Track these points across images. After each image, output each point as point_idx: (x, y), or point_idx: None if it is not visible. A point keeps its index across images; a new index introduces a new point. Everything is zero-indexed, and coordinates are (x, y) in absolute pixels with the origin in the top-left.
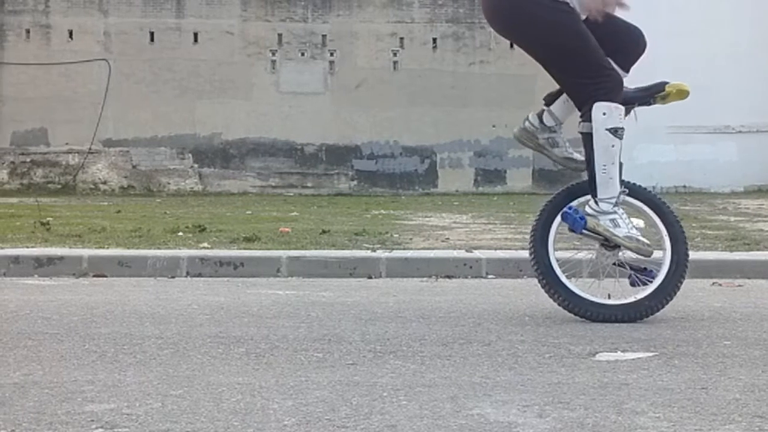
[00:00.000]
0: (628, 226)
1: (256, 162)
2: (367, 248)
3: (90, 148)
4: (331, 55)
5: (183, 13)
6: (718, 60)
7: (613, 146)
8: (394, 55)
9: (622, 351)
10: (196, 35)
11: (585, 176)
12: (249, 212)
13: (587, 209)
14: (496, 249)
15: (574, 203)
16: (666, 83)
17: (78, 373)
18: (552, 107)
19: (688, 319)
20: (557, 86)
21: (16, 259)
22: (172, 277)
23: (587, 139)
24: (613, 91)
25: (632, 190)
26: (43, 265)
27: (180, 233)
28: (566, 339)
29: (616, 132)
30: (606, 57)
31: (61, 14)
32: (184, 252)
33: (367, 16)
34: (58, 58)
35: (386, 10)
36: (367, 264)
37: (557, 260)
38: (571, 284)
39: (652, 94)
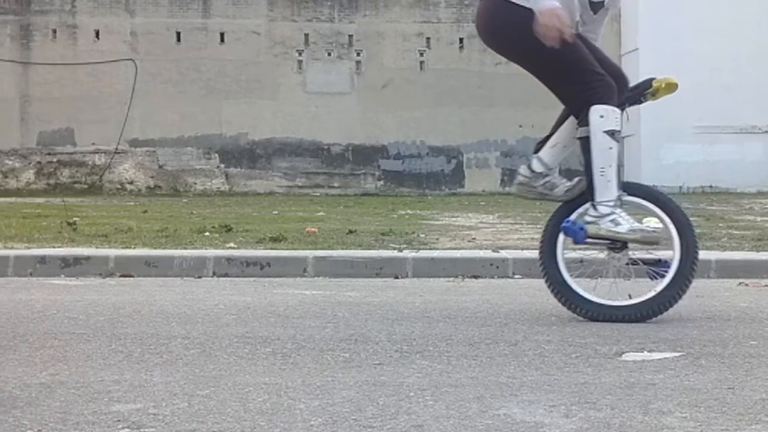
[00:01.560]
0: (629, 221)
1: (282, 162)
2: (394, 248)
3: (116, 148)
4: (358, 55)
5: (209, 13)
6: (745, 60)
7: (610, 148)
8: (421, 55)
9: (649, 351)
10: (222, 35)
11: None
12: (275, 212)
13: (587, 217)
14: (522, 249)
15: (572, 216)
16: (653, 79)
17: (104, 373)
18: (540, 154)
19: (715, 319)
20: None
21: (42, 259)
22: (199, 277)
23: (585, 143)
24: (608, 95)
25: (628, 187)
26: (70, 265)
27: (206, 233)
28: (593, 339)
29: (614, 134)
30: (595, 62)
31: (88, 14)
32: (211, 252)
33: (394, 16)
34: (84, 58)
35: (413, 10)
36: (394, 264)
37: (570, 273)
38: (589, 294)
39: (642, 92)
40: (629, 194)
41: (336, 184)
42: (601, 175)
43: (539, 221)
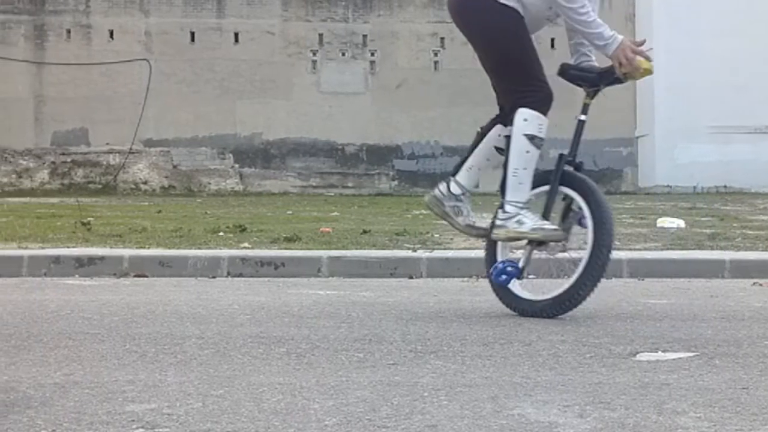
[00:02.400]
0: (533, 220)
1: (296, 162)
2: (408, 248)
3: (131, 148)
4: (372, 55)
5: (224, 13)
6: (760, 60)
7: (527, 152)
8: (435, 55)
9: (663, 351)
10: (236, 35)
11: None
12: (290, 212)
13: (497, 221)
14: None
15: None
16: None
17: (119, 373)
18: (458, 177)
19: (729, 319)
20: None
21: (56, 259)
22: (213, 277)
23: (507, 142)
24: (539, 102)
25: (565, 175)
26: (84, 265)
27: (221, 233)
28: (607, 339)
29: (533, 139)
30: (542, 71)
31: (102, 14)
32: (225, 252)
33: (408, 16)
34: (98, 58)
35: (427, 10)
36: (408, 264)
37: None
38: (520, 291)
39: (611, 77)
40: (562, 184)
41: (350, 184)
42: (514, 176)
43: (553, 221)
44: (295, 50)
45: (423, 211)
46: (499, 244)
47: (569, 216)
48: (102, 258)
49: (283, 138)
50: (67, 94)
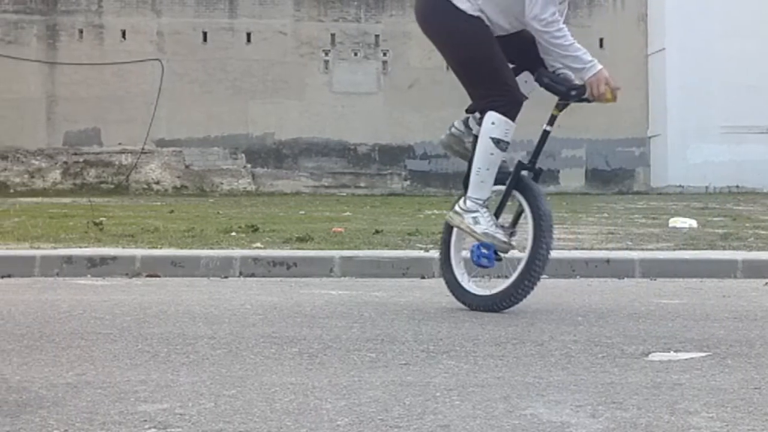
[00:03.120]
0: (488, 224)
1: (309, 162)
2: (420, 248)
3: (143, 148)
4: (384, 55)
5: (236, 13)
6: None
7: (492, 154)
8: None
9: (675, 351)
10: (249, 35)
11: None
12: (302, 212)
13: (456, 207)
14: None
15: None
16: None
17: (131, 373)
18: (477, 113)
19: (741, 319)
20: None
21: (69, 259)
22: (225, 277)
23: (475, 141)
24: (507, 106)
25: (519, 180)
26: (96, 265)
27: (233, 233)
28: (619, 339)
29: (498, 143)
30: (511, 76)
31: (114, 14)
32: (237, 252)
33: None
34: (111, 58)
35: None
36: (420, 264)
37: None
38: (467, 286)
39: (580, 95)
40: (516, 189)
41: (362, 184)
42: (477, 174)
43: (566, 221)
44: (307, 50)
45: (435, 211)
46: (453, 240)
47: (518, 222)
48: (114, 258)
49: (296, 138)
50: (80, 94)
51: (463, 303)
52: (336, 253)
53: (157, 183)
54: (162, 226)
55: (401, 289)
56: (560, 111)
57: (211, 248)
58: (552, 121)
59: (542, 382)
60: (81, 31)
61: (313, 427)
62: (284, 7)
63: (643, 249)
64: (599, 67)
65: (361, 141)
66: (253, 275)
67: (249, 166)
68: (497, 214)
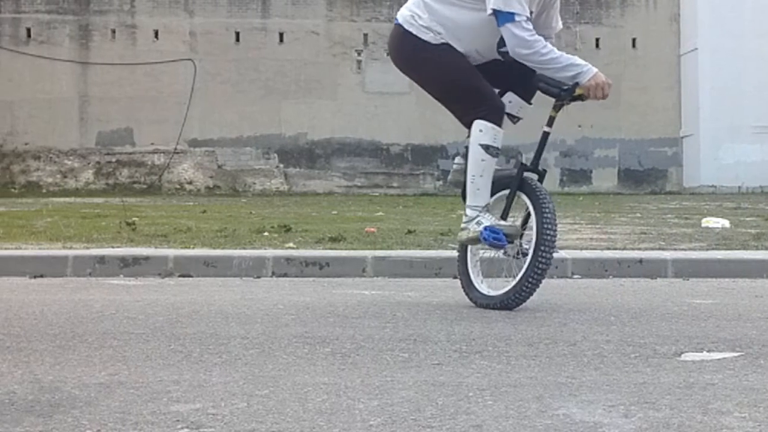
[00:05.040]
0: (490, 220)
1: (341, 162)
2: (453, 248)
3: (175, 148)
4: None
5: (268, 13)
6: None
7: (483, 160)
8: None
9: (708, 351)
10: (281, 35)
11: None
12: (334, 212)
13: (462, 224)
14: (581, 249)
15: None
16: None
17: (163, 373)
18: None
19: None
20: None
21: (101, 259)
22: (258, 277)
23: (466, 151)
24: (491, 114)
25: (523, 182)
26: (129, 265)
27: (265, 233)
28: (652, 339)
29: (488, 149)
30: (488, 87)
31: (147, 14)
32: (270, 252)
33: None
34: (143, 58)
35: None
36: (453, 264)
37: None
38: (481, 287)
39: (572, 95)
40: (523, 192)
41: (395, 184)
42: (472, 182)
43: (598, 221)
44: (340, 50)
45: None
46: (469, 252)
47: (528, 224)
48: (147, 258)
49: (328, 138)
50: (112, 94)
51: (476, 303)
52: (369, 253)
53: (190, 183)
54: (195, 226)
55: (434, 289)
56: (557, 111)
57: (244, 248)
58: (551, 122)
59: (575, 382)
60: (113, 31)
61: (346, 427)
62: (317, 7)
63: (675, 249)
64: (594, 70)
65: (394, 141)
66: (285, 275)
67: (282, 166)
68: (503, 217)
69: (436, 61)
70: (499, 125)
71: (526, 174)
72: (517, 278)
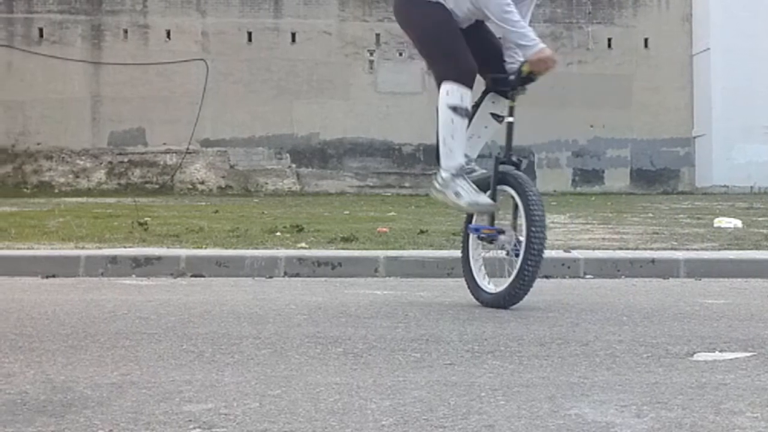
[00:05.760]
0: (469, 194)
1: (353, 162)
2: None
3: (188, 148)
4: None
5: (281, 13)
6: None
7: (452, 121)
8: None
9: (720, 351)
10: (293, 35)
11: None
12: (347, 212)
13: (436, 184)
14: (594, 249)
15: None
16: (524, 62)
17: (176, 373)
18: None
19: None
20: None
21: (114, 259)
22: (270, 277)
23: (436, 113)
24: (458, 74)
25: (505, 176)
26: (141, 265)
27: (278, 233)
28: (664, 339)
29: (455, 109)
30: (463, 50)
31: (159, 14)
32: (282, 252)
33: None
34: (155, 58)
35: None
36: None
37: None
38: (484, 284)
39: (521, 77)
40: (504, 184)
41: (407, 184)
42: (444, 144)
43: (611, 221)
44: (352, 50)
45: None
46: (471, 241)
47: (518, 215)
48: (159, 258)
49: (340, 138)
50: (124, 94)
51: (478, 300)
52: (381, 253)
53: (202, 183)
54: (207, 226)
55: (446, 289)
56: (514, 100)
57: (256, 248)
58: (511, 112)
59: (587, 382)
60: (126, 31)
61: (358, 427)
62: (329, 7)
63: (687, 249)
64: (541, 45)
65: (406, 141)
66: (297, 275)
67: (294, 166)
68: (492, 217)
69: (425, 16)
70: (468, 86)
71: (503, 167)
72: (512, 276)
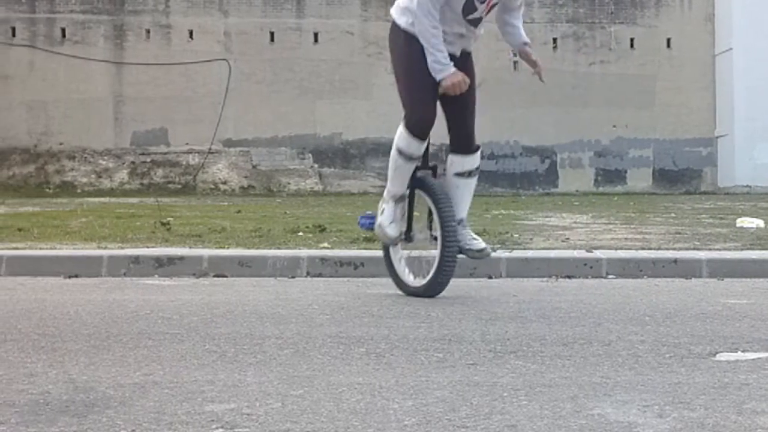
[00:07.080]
0: (388, 219)
1: (376, 162)
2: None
3: (210, 148)
4: None
5: (303, 13)
6: None
7: (396, 159)
8: (514, 55)
9: (743, 351)
10: (316, 35)
11: None
12: (369, 212)
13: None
14: (616, 249)
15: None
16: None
17: (198, 373)
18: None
19: None
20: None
21: (136, 259)
22: (293, 277)
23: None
24: (411, 124)
25: (420, 181)
26: (164, 265)
27: (300, 233)
28: (686, 339)
29: (400, 152)
30: (427, 97)
31: (182, 14)
32: (305, 252)
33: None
34: (178, 58)
35: None
36: (488, 264)
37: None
38: (405, 277)
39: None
40: (425, 192)
41: None
42: (389, 170)
43: (633, 221)
44: (374, 50)
45: (502, 211)
46: (392, 252)
47: (431, 221)
48: (181, 258)
49: (363, 138)
50: (147, 94)
51: (404, 291)
52: (403, 253)
53: (225, 183)
54: (229, 226)
55: (468, 289)
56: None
57: (279, 248)
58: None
59: (609, 382)
60: (148, 31)
61: (381, 427)
62: (351, 7)
63: (710, 249)
64: (452, 70)
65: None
66: (320, 275)
67: (316, 166)
68: (409, 220)
69: (406, 57)
70: (419, 137)
71: (419, 173)
72: (432, 272)
